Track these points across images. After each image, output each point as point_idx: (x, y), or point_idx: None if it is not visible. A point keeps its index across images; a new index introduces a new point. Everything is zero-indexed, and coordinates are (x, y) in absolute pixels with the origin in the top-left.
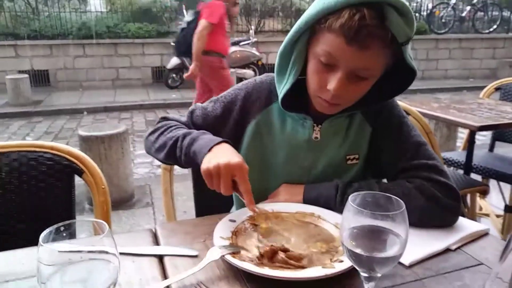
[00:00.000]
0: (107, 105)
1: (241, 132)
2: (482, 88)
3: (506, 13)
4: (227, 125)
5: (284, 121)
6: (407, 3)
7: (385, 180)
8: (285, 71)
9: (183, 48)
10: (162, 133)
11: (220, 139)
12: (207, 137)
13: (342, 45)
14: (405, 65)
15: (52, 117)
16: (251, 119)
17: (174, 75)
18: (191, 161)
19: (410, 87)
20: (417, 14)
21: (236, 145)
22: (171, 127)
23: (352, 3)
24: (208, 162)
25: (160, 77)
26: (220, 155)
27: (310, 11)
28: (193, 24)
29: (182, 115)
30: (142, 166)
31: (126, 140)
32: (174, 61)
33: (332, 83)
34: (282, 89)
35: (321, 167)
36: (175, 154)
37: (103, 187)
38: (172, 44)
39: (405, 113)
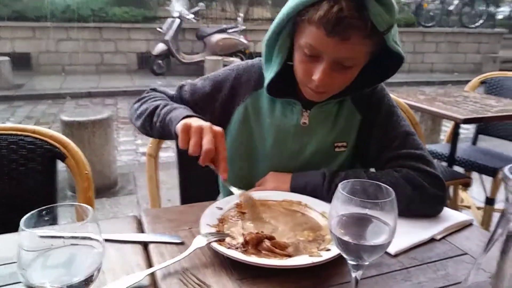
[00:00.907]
0: (91, 91)
1: (228, 113)
2: (466, 82)
3: (492, 9)
4: (215, 103)
5: (273, 105)
6: None
7: (373, 170)
8: (271, 59)
9: None
10: (146, 101)
11: (197, 114)
12: (185, 110)
13: (322, 37)
14: (392, 51)
15: (33, 101)
16: (240, 101)
17: (160, 61)
18: (165, 128)
19: (397, 80)
20: (405, 7)
21: (223, 127)
22: (156, 97)
23: None
24: (186, 122)
25: (145, 63)
26: (197, 122)
27: (290, 3)
28: None
29: (172, 89)
30: (126, 153)
31: (110, 126)
32: (160, 47)
33: (317, 74)
34: (268, 76)
35: (308, 153)
36: (151, 121)
37: (86, 172)
38: (159, 30)
39: (395, 102)
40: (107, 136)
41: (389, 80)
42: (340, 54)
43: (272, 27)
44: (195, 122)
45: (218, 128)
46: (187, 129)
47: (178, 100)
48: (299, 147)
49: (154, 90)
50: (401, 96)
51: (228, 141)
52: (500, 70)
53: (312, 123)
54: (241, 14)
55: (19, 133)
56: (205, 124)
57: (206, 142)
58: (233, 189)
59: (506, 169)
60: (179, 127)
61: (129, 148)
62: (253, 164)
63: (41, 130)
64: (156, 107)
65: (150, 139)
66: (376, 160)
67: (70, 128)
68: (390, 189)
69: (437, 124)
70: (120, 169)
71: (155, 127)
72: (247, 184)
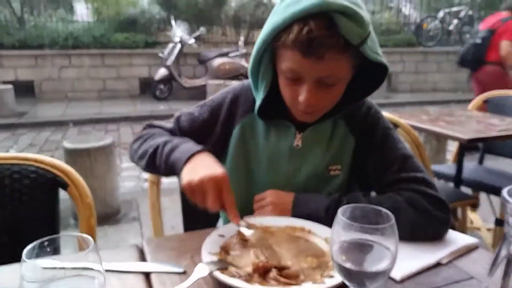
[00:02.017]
0: (93, 117)
1: (227, 135)
2: (470, 101)
3: None
4: (215, 129)
5: (268, 127)
6: (354, 6)
7: (373, 193)
8: (257, 86)
9: (470, 60)
10: (145, 140)
11: (199, 147)
12: (187, 146)
13: (299, 59)
14: (375, 63)
15: (36, 129)
16: (237, 122)
17: (162, 86)
18: (170, 171)
19: (400, 100)
20: (406, 28)
21: (223, 150)
22: (154, 134)
23: (298, 17)
24: (189, 175)
25: (147, 88)
26: (200, 167)
27: (264, 30)
28: (487, 40)
29: (169, 121)
30: (129, 179)
31: (112, 152)
32: (162, 72)
33: (303, 95)
34: (257, 103)
35: (302, 177)
36: (155, 163)
37: (88, 200)
38: (160, 55)
39: (391, 124)
40: (110, 163)
41: (393, 100)
42: (320, 73)
43: (252, 55)
44: (195, 174)
45: (220, 174)
46: (190, 189)
47: (177, 132)
48: (293, 170)
49: (150, 126)
50: (403, 117)
51: (227, 162)
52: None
53: (306, 145)
54: (242, 38)
55: (21, 162)
56: (206, 176)
57: (211, 202)
58: (244, 230)
59: (504, 192)
60: (183, 186)
61: (132, 174)
62: (249, 186)
63: (43, 159)
64: (157, 148)
65: None
66: (376, 184)
67: (72, 155)
68: (390, 213)
69: (442, 144)
70: (123, 196)
71: (161, 169)
72: (244, 206)
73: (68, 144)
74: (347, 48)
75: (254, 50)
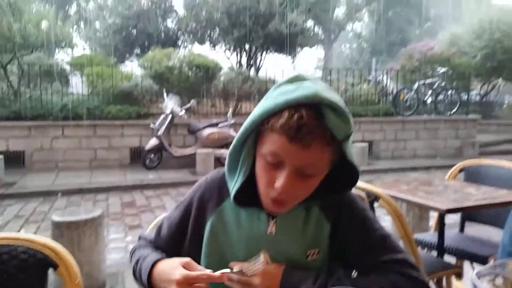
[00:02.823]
0: (83, 187)
1: (200, 233)
2: (449, 166)
3: (463, 96)
4: (188, 228)
5: (238, 216)
6: (343, 104)
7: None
8: (235, 169)
9: None
10: (132, 257)
11: (151, 261)
12: (144, 264)
13: (285, 143)
14: (348, 167)
15: (24, 199)
16: (207, 219)
17: (152, 156)
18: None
19: (382, 167)
20: (384, 98)
21: (199, 245)
22: (135, 251)
23: (290, 105)
24: None
25: (138, 157)
26: (160, 282)
27: (254, 113)
28: None
29: (160, 227)
30: (115, 251)
31: (100, 225)
32: (153, 142)
33: (280, 181)
34: (233, 188)
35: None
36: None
37: (77, 281)
38: (152, 126)
39: (365, 204)
40: (98, 236)
41: (375, 167)
42: (302, 161)
43: (237, 136)
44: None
45: (178, 278)
46: None
47: (157, 240)
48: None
49: (140, 238)
50: (385, 186)
51: (201, 260)
52: (480, 153)
53: (280, 232)
54: (230, 109)
55: (11, 242)
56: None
57: None
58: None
59: (473, 275)
60: None
61: (119, 245)
62: None
63: (35, 239)
64: (134, 267)
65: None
66: (357, 266)
67: (60, 228)
68: None
69: (424, 211)
70: (108, 269)
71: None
72: None
73: (56, 217)
74: (332, 142)
75: (240, 132)
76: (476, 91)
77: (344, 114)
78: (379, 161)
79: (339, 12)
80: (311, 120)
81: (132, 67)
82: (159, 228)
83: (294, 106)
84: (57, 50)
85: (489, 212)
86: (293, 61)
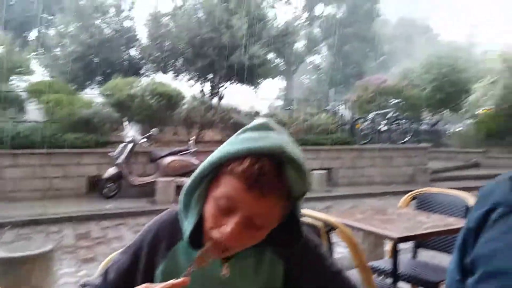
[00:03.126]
0: (35, 218)
1: (152, 275)
2: (403, 192)
3: (415, 126)
4: (138, 273)
5: (192, 258)
6: (304, 161)
7: None
8: (189, 209)
9: None
10: None
11: None
12: None
13: (242, 190)
14: (293, 226)
15: None
16: (159, 263)
17: (110, 184)
18: None
19: (340, 193)
20: (341, 127)
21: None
22: None
23: (253, 152)
24: None
25: (95, 186)
26: None
27: (215, 155)
28: None
29: (107, 272)
30: (66, 287)
31: (51, 260)
32: (112, 170)
33: (228, 227)
34: (187, 228)
35: None
36: None
37: None
38: (111, 154)
39: (317, 240)
40: (48, 272)
41: (333, 194)
42: (256, 210)
43: (194, 175)
44: None
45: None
46: None
47: (103, 285)
48: None
49: (84, 286)
50: (341, 216)
51: None
52: (431, 180)
53: (233, 274)
54: (193, 138)
55: None
56: None
57: None
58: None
59: None
60: None
61: (70, 280)
62: None
63: None
64: None
65: (96, 270)
66: None
67: (6, 264)
68: None
69: (379, 238)
70: None
71: None
72: None
73: (1, 253)
74: (287, 197)
75: (197, 171)
76: (427, 120)
77: (303, 172)
78: (338, 188)
79: (299, 45)
80: (271, 172)
81: (93, 95)
82: (106, 274)
83: (256, 154)
84: (13, 76)
85: (439, 238)
86: (255, 91)
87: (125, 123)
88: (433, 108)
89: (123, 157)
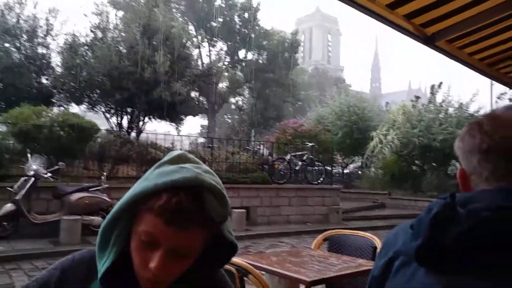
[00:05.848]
0: None
1: None
2: (317, 231)
3: (328, 168)
4: None
5: None
6: (221, 187)
7: None
8: (107, 247)
9: None
10: None
11: None
12: None
13: (161, 225)
14: (226, 241)
15: None
16: None
17: (5, 223)
18: None
19: (258, 232)
20: (261, 167)
21: None
22: None
23: (169, 186)
24: None
25: None
26: None
27: (132, 191)
28: None
29: None
30: None
31: None
32: (8, 207)
33: (154, 262)
34: (102, 267)
35: None
36: None
37: None
38: (9, 189)
39: (230, 285)
40: None
41: (252, 232)
42: (177, 243)
43: (112, 213)
44: None
45: None
46: None
47: None
48: None
49: None
50: (256, 260)
51: None
52: (343, 219)
53: None
54: (105, 173)
55: None
56: None
57: None
58: None
59: None
60: None
61: None
62: None
63: None
64: None
65: None
66: None
67: None
68: None
69: (294, 281)
70: None
71: None
72: None
73: None
74: (209, 224)
75: (114, 209)
76: (339, 163)
77: (222, 198)
78: (257, 226)
79: (223, 85)
80: (189, 204)
81: None
82: None
83: (173, 188)
84: None
85: (351, 280)
86: (177, 128)
87: (28, 155)
88: (345, 152)
89: (23, 192)
